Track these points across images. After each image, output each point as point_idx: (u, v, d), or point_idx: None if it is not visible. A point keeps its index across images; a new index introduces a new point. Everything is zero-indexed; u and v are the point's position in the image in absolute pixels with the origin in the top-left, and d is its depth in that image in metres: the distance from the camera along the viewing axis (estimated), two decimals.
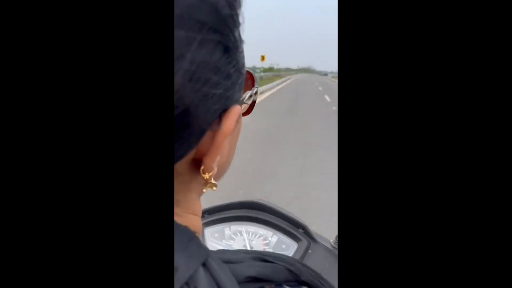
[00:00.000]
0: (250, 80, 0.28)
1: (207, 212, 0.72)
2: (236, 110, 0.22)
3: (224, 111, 0.22)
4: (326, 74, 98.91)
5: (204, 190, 0.26)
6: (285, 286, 0.23)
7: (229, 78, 0.21)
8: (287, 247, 0.69)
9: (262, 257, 0.24)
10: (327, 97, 14.61)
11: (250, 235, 0.70)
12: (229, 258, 0.23)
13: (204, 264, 0.20)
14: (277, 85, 19.67)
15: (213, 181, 0.24)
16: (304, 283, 0.24)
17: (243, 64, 0.24)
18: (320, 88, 21.29)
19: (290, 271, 0.24)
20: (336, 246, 0.70)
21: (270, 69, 44.33)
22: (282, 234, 0.71)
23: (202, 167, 0.23)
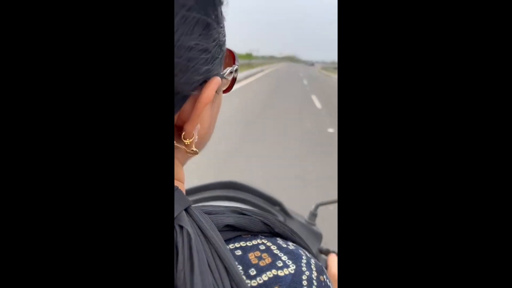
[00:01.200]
0: (231, 57, 0.30)
1: (186, 193, 0.48)
2: (216, 81, 0.24)
3: (205, 81, 0.24)
4: (312, 64, 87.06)
5: (187, 159, 0.29)
6: (260, 236, 0.26)
7: (208, 52, 0.23)
8: None
9: (240, 211, 0.27)
10: (316, 101, 8.85)
11: None
12: (209, 210, 0.26)
13: (186, 211, 0.23)
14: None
15: (194, 148, 0.26)
16: (277, 234, 0.27)
17: (224, 41, 0.26)
18: (305, 83, 15.49)
19: (265, 223, 0.27)
20: (310, 221, 0.77)
21: (248, 56, 37.46)
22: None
23: (183, 133, 0.25)
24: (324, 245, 0.73)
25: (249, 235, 0.26)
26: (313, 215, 0.78)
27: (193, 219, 0.22)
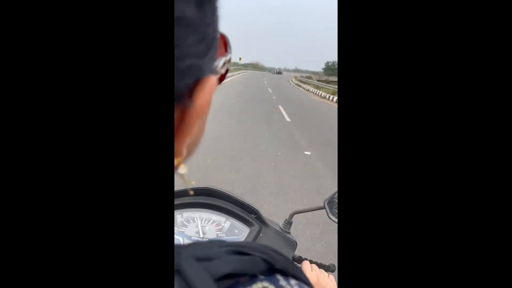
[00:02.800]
0: (223, 43, 0.24)
1: None
2: (211, 82, 0.19)
3: (196, 83, 0.19)
4: (280, 72, 72.64)
5: None
6: (260, 276, 0.24)
7: (203, 40, 0.18)
8: (240, 232, 0.72)
9: (238, 250, 0.24)
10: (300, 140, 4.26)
11: (203, 222, 0.71)
12: (203, 254, 0.22)
13: (177, 271, 0.19)
14: None
15: (182, 169, 0.21)
16: (278, 271, 0.25)
17: (218, 23, 0.20)
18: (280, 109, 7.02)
19: (265, 260, 0.24)
20: (285, 229, 0.77)
21: None
22: (234, 219, 0.73)
23: None
24: (298, 252, 0.73)
25: (248, 279, 0.23)
26: (288, 223, 0.77)
27: (186, 282, 0.19)
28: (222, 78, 0.25)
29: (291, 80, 37.97)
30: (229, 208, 0.74)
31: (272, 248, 0.26)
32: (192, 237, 0.70)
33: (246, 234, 0.72)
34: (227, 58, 0.24)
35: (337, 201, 0.70)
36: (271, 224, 0.76)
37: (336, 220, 0.66)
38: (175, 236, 0.68)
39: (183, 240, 0.69)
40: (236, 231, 0.73)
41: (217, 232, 0.72)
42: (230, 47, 0.25)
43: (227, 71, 0.25)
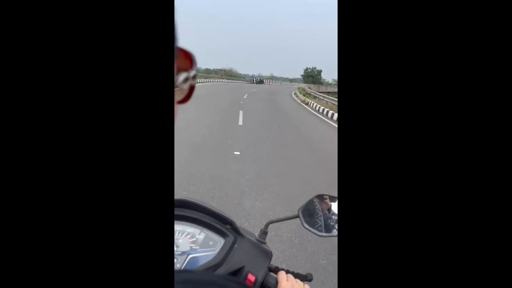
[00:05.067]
0: (187, 60, 0.24)
1: None
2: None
3: None
4: (261, 81, 56.82)
5: None
6: None
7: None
8: (214, 243, 0.69)
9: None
10: None
11: (177, 234, 0.69)
12: None
13: None
14: None
15: None
16: None
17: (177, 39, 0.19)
18: None
19: None
20: (261, 239, 0.75)
21: None
22: (209, 231, 0.72)
23: None
24: (273, 263, 0.70)
25: None
26: (264, 233, 0.76)
27: None
28: (188, 94, 0.24)
29: (295, 95, 21.03)
30: (204, 219, 0.71)
31: (229, 278, 0.22)
32: None
33: (220, 246, 0.69)
34: (191, 74, 0.24)
35: (310, 208, 0.69)
36: (246, 235, 0.73)
37: (310, 228, 0.67)
38: None
39: None
40: (211, 242, 0.69)
41: (191, 245, 0.67)
42: (195, 64, 0.24)
43: (192, 88, 0.24)
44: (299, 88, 29.05)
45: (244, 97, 16.21)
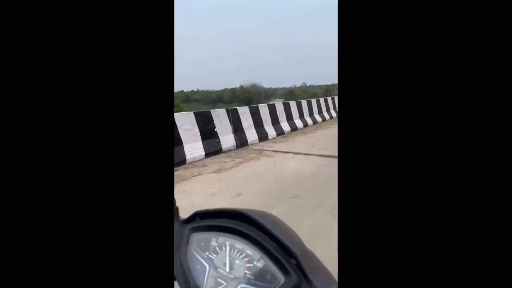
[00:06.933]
0: None
1: (198, 216, 0.60)
2: None
3: None
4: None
5: None
6: None
7: None
8: (273, 279, 0.51)
9: None
10: None
11: (234, 252, 0.55)
12: None
13: None
14: None
15: None
16: None
17: None
18: None
19: None
20: None
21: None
22: (270, 260, 0.54)
23: None
24: None
25: None
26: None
27: None
28: None
29: None
30: (262, 242, 0.54)
31: None
32: (218, 269, 0.55)
33: (278, 285, 0.50)
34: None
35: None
36: (314, 281, 0.47)
37: None
38: (203, 262, 0.55)
39: (208, 269, 0.54)
40: (269, 277, 0.52)
41: (246, 271, 0.53)
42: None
43: None
44: None
45: None
